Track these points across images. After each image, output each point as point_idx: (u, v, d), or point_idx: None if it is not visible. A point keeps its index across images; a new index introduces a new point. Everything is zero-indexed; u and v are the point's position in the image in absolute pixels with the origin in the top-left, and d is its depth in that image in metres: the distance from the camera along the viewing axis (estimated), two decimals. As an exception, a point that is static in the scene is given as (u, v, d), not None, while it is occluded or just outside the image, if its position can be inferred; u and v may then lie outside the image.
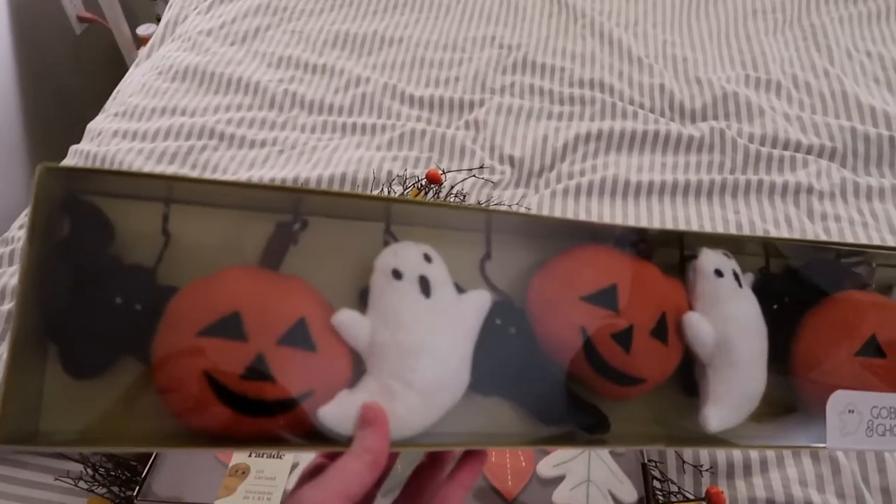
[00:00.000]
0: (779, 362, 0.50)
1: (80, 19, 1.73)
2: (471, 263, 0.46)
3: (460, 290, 0.44)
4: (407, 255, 0.42)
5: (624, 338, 0.45)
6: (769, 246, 0.53)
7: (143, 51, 1.35)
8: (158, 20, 1.59)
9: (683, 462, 0.69)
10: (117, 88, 1.26)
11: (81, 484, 0.67)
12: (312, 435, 0.39)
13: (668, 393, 0.49)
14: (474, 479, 0.44)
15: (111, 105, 1.22)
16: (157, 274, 0.40)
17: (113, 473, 0.67)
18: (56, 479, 0.68)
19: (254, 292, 0.39)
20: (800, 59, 1.18)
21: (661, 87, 1.13)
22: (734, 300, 0.47)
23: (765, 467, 0.70)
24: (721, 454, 0.70)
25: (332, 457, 0.39)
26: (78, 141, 1.16)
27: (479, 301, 0.44)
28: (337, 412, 0.39)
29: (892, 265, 0.54)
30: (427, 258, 0.42)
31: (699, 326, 0.46)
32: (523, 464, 0.62)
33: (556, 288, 0.46)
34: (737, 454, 0.71)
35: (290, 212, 0.43)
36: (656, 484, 0.67)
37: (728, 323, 0.47)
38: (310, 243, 0.43)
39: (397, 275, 0.41)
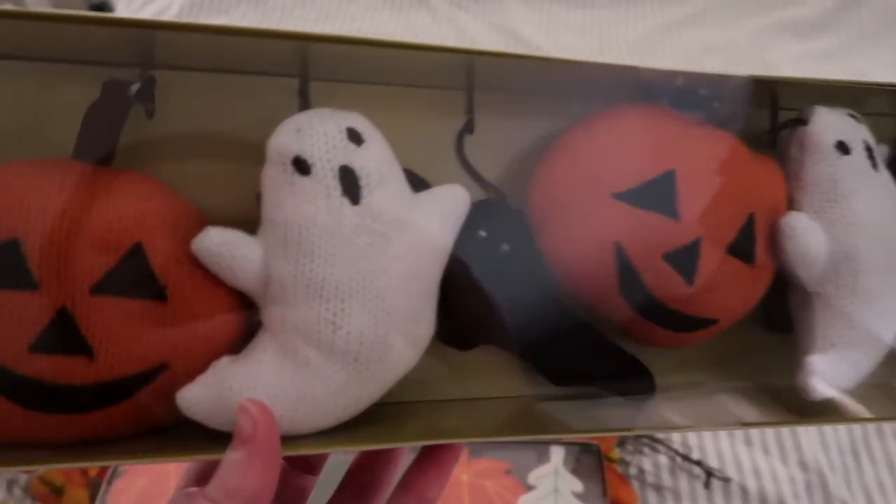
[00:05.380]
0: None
1: None
2: (442, 139, 0.32)
3: (419, 184, 0.29)
4: (319, 131, 0.26)
5: (685, 259, 0.29)
6: None
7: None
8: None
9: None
10: None
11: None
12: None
13: (743, 327, 0.33)
14: (439, 490, 0.29)
15: None
16: None
17: None
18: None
19: (48, 206, 0.24)
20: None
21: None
22: (866, 191, 0.31)
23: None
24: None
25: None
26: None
27: (448, 203, 0.29)
28: (204, 398, 0.24)
29: None
30: (354, 136, 0.27)
31: (805, 235, 0.30)
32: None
33: (573, 180, 0.30)
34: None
35: (132, 63, 0.27)
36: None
37: (855, 228, 0.30)
38: (173, 114, 0.28)
39: (302, 167, 0.26)
